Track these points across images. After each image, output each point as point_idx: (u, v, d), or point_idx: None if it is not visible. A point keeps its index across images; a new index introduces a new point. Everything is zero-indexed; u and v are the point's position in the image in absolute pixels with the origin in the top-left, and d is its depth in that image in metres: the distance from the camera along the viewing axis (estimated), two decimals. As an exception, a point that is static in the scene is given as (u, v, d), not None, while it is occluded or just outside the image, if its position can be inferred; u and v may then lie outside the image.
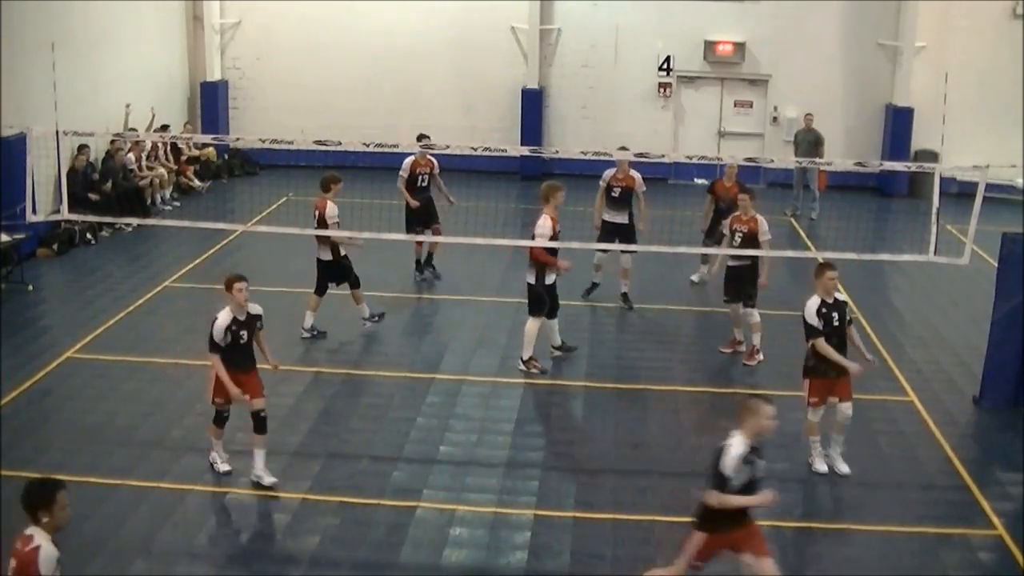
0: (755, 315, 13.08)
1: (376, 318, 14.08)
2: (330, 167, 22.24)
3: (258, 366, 9.99)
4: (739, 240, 12.90)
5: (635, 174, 14.69)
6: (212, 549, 8.92)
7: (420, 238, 15.53)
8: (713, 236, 14.90)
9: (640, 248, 14.33)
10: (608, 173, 14.84)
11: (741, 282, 13.07)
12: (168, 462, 10.34)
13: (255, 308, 9.84)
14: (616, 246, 14.32)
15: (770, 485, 10.14)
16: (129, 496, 9.69)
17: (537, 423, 11.47)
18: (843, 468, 10.44)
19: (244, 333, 9.70)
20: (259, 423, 9.83)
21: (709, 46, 23.49)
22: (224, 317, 9.65)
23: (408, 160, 15.75)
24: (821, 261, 10.64)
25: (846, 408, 10.28)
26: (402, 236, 15.42)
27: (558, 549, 9.06)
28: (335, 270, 13.64)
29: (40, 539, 6.20)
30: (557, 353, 13.11)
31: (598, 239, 14.53)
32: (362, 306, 13.95)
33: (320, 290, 13.70)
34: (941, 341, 14.37)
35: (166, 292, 15.51)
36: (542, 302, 12.64)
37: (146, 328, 14.08)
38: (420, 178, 15.74)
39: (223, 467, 10.10)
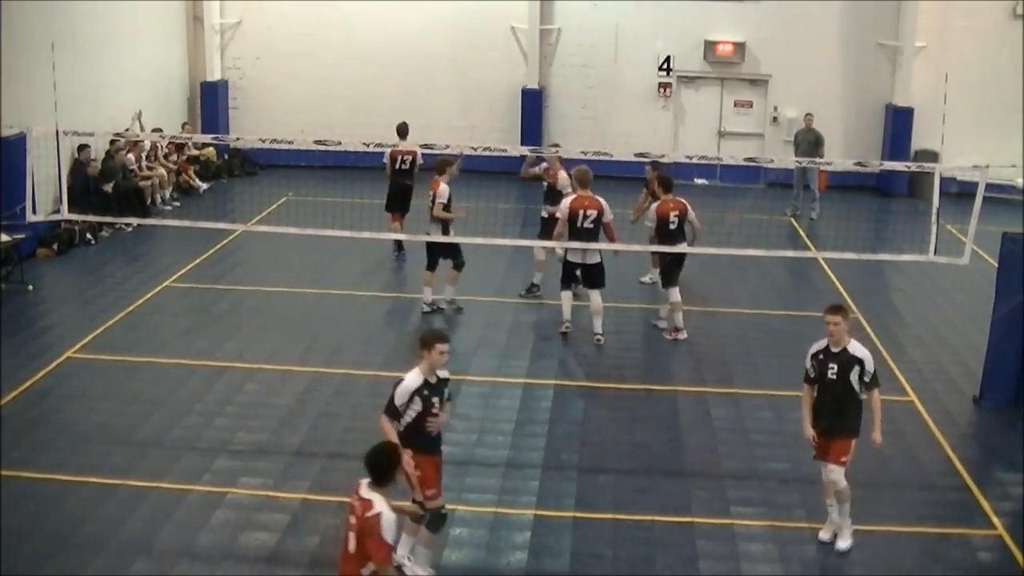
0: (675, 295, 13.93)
1: (452, 306, 14.62)
2: (330, 167, 22.50)
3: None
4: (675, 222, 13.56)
5: (562, 173, 14.91)
6: (212, 549, 8.91)
7: (392, 236, 16.02)
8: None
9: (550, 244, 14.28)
10: None
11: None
12: (168, 462, 10.33)
13: (443, 371, 8.30)
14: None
15: (770, 485, 10.29)
16: (129, 496, 9.68)
17: (537, 423, 11.45)
18: (841, 544, 8.98)
19: (436, 400, 8.13)
20: (436, 522, 8.37)
21: (709, 46, 23.48)
22: (413, 379, 8.06)
23: (387, 151, 16.47)
24: (828, 305, 9.03)
25: (827, 471, 8.88)
26: (405, 236, 15.53)
27: (558, 549, 9.05)
28: (445, 247, 14.07)
29: (380, 505, 6.07)
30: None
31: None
32: (451, 288, 14.53)
33: (432, 266, 14.27)
34: (941, 341, 14.36)
35: (166, 292, 15.50)
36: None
37: (146, 328, 14.07)
38: (400, 160, 16.45)
39: (423, 572, 8.52)
